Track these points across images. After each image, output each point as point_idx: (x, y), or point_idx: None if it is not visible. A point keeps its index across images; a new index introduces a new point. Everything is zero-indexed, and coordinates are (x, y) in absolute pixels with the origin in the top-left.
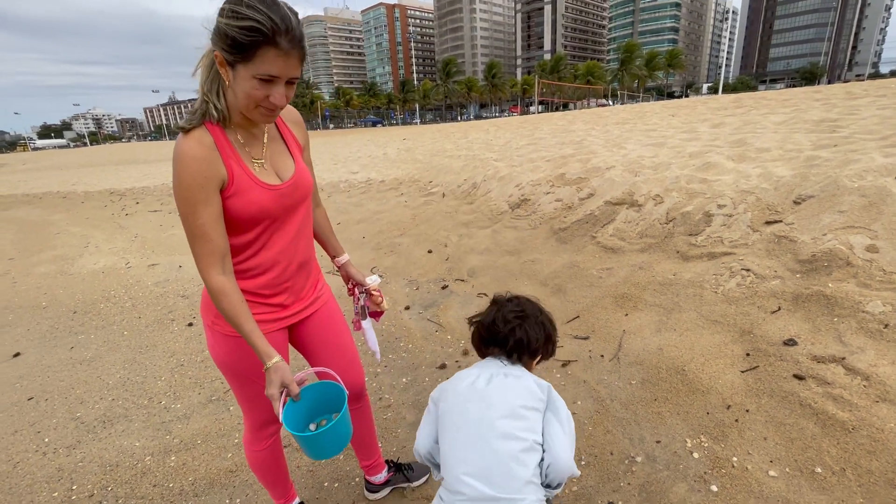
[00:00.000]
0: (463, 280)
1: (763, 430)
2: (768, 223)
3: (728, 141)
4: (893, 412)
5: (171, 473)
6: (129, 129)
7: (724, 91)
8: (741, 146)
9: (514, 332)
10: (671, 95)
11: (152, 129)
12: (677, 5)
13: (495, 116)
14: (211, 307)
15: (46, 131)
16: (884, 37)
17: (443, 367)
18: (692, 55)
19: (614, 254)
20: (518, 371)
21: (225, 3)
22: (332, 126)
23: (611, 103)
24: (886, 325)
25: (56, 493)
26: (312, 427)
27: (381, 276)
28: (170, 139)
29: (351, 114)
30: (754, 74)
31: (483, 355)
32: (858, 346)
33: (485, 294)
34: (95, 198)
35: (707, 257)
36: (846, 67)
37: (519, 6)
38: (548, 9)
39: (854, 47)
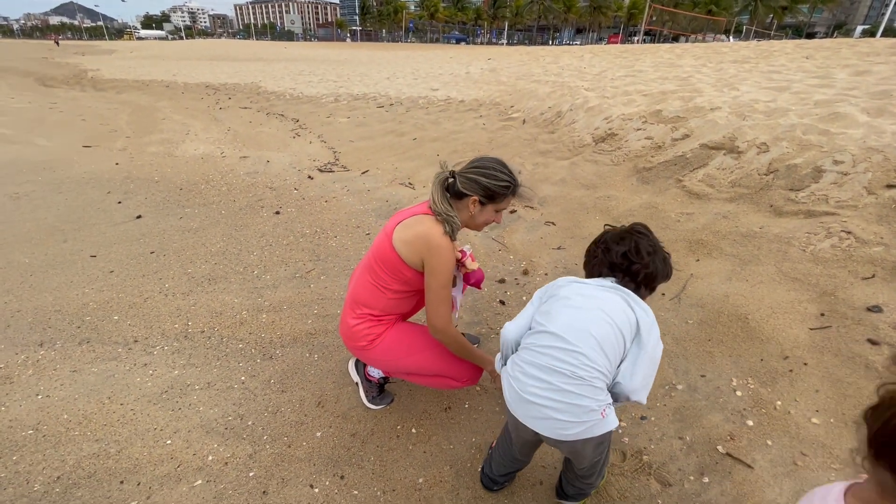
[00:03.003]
0: (532, 207)
1: (817, 384)
2: (890, 186)
3: (869, 92)
4: None
5: (262, 327)
6: (220, 26)
7: (885, 35)
8: (884, 98)
9: (647, 266)
10: (811, 37)
11: (241, 27)
12: None
13: (592, 44)
14: (357, 337)
15: (148, 21)
16: None
17: (502, 281)
18: None
19: (698, 199)
20: (628, 294)
21: (482, 168)
22: (413, 40)
23: (730, 40)
24: None
25: (176, 325)
26: None
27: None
28: (256, 38)
29: (435, 28)
30: None
31: (594, 275)
32: None
33: (552, 223)
34: (193, 90)
35: (804, 215)
36: None
37: None
38: None
39: None
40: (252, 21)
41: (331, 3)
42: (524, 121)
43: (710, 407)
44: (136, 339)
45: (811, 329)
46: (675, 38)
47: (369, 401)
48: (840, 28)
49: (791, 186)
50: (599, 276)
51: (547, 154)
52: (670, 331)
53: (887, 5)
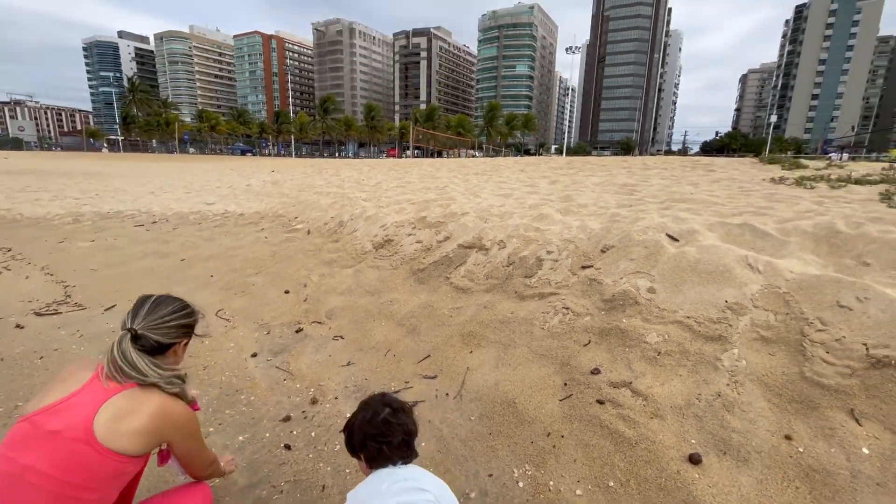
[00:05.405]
0: (320, 322)
1: (573, 453)
2: (583, 267)
3: (559, 196)
4: (661, 425)
5: None
6: None
7: (567, 152)
8: (567, 201)
9: (403, 428)
10: (528, 152)
11: None
12: (530, 77)
13: (374, 156)
14: None
15: None
16: (672, 122)
17: (287, 419)
18: (543, 120)
19: (464, 294)
20: (419, 473)
21: (176, 311)
22: (193, 150)
23: (479, 154)
24: (659, 353)
25: None
26: None
27: None
28: None
29: (217, 139)
30: (589, 141)
31: (375, 467)
32: (641, 371)
33: (341, 337)
34: None
35: (538, 297)
36: (651, 143)
37: (397, 57)
38: (423, 63)
39: (654, 128)
40: None
41: (81, 110)
42: (309, 231)
43: None
44: None
45: (560, 400)
46: (440, 153)
47: None
48: (543, 146)
49: (525, 274)
50: (396, 465)
51: (332, 264)
52: (457, 433)
53: (565, 132)
